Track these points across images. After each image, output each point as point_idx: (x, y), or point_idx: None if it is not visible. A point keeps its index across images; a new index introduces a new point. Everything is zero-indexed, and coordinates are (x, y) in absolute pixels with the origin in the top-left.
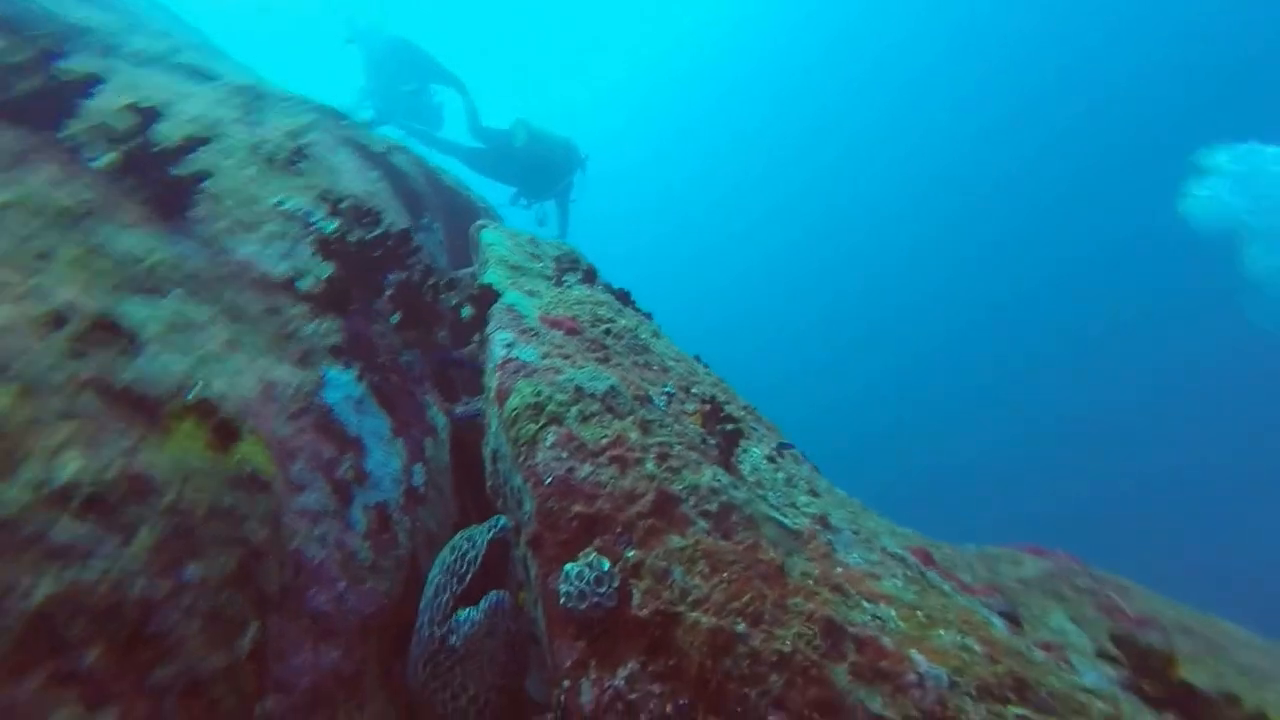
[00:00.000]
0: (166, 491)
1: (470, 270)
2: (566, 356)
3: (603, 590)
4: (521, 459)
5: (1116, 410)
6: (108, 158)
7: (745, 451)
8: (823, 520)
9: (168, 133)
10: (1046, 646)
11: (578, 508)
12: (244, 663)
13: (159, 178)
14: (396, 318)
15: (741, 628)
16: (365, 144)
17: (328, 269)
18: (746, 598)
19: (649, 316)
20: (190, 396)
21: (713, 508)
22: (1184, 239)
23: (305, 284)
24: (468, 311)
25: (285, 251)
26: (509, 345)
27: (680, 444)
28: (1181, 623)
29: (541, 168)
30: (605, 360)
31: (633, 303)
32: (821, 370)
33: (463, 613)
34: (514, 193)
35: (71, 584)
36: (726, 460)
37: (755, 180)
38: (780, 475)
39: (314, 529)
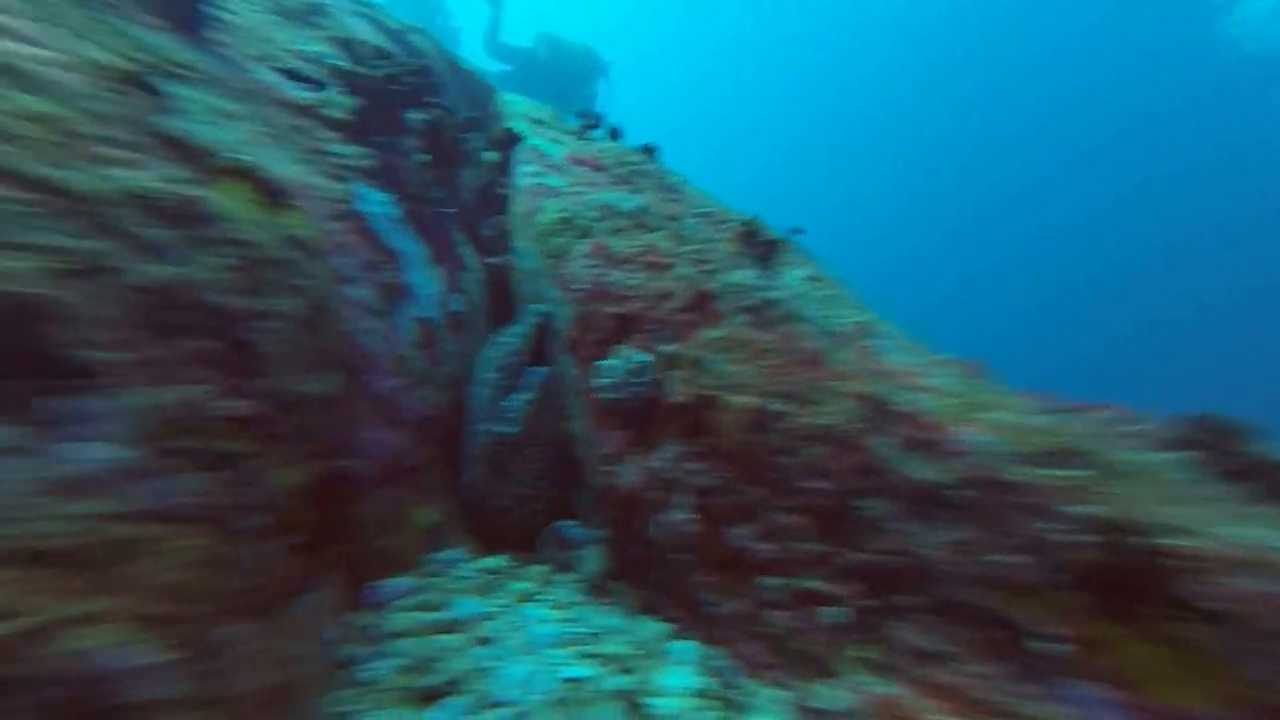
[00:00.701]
0: (228, 225)
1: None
2: (591, 185)
3: (642, 380)
4: (555, 269)
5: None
6: None
7: (785, 270)
8: (866, 328)
9: None
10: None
11: (611, 309)
12: (339, 398)
13: None
14: (425, 157)
15: (780, 406)
16: (381, 20)
17: (351, 101)
18: (786, 380)
19: (672, 176)
20: (227, 159)
21: (750, 303)
22: None
23: (333, 113)
24: (491, 156)
25: (306, 85)
26: (535, 175)
27: (715, 253)
28: None
29: (565, 80)
30: (633, 191)
31: (656, 157)
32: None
33: (513, 397)
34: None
35: (176, 278)
36: (764, 267)
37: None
38: (821, 294)
39: (364, 320)
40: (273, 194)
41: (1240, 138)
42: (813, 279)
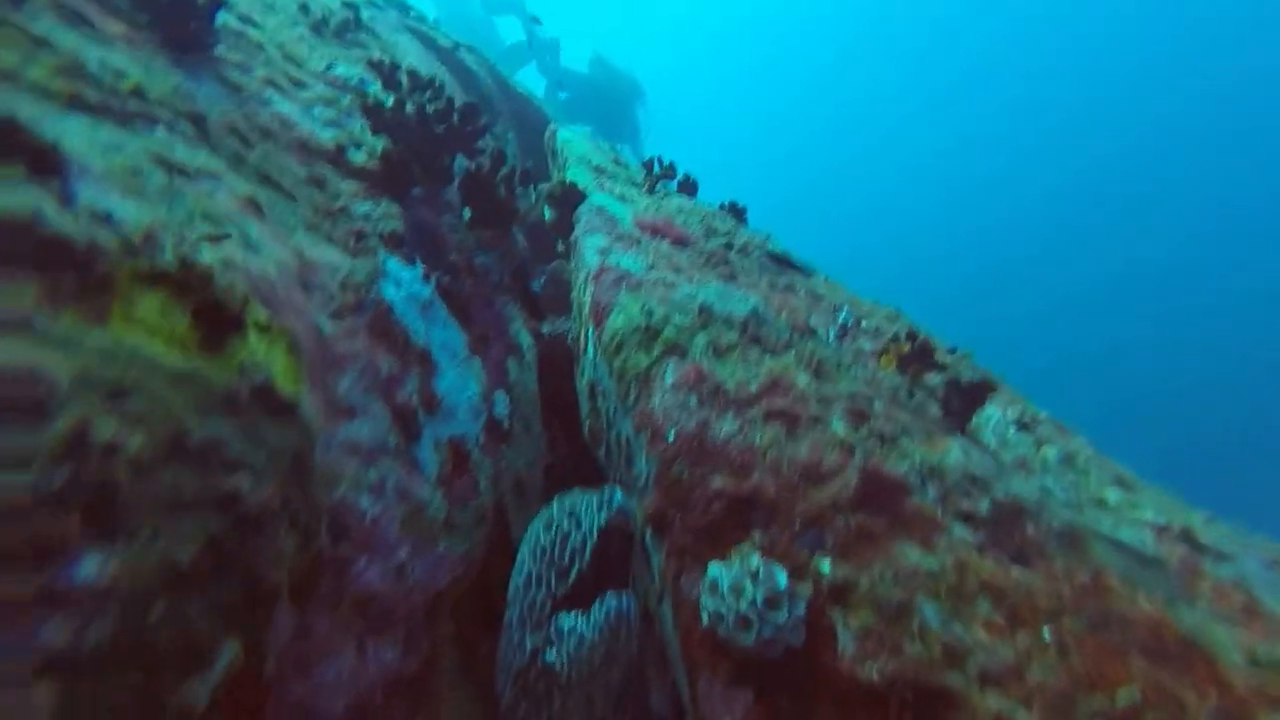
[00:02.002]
0: (67, 408)
1: (548, 185)
2: (677, 269)
3: (781, 618)
4: (631, 400)
5: None
6: None
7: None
8: (1186, 536)
9: None
10: None
11: (721, 481)
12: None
13: None
14: (468, 213)
15: None
16: (432, 37)
17: (383, 143)
18: (1129, 694)
19: (768, 235)
20: (166, 256)
21: (980, 507)
22: None
23: (358, 157)
24: (549, 214)
25: (333, 119)
26: (603, 251)
27: (882, 399)
28: None
29: (610, 105)
30: (732, 278)
31: (745, 219)
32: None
33: (568, 618)
34: (589, 132)
35: None
36: (963, 427)
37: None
38: (1051, 452)
39: (367, 471)
40: (218, 319)
41: None
42: (1024, 423)
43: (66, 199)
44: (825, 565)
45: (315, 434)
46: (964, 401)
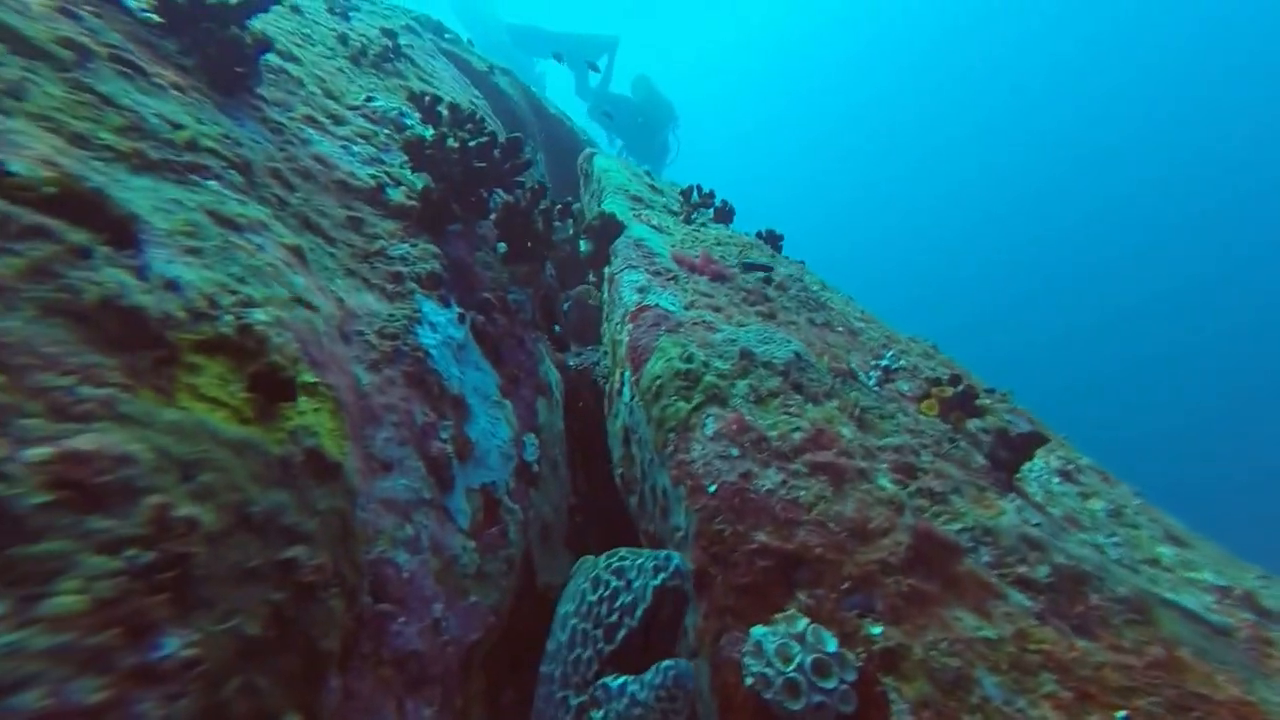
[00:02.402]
0: (149, 493)
1: (579, 205)
2: (717, 309)
3: (830, 685)
4: (669, 450)
5: None
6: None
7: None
8: (1249, 600)
9: None
10: None
11: (764, 538)
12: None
13: (215, 37)
14: (503, 247)
15: None
16: (467, 59)
17: (422, 180)
18: None
19: (802, 264)
20: (226, 321)
21: (1039, 573)
22: None
23: (396, 195)
24: (586, 246)
25: (372, 155)
26: (641, 289)
27: (928, 450)
28: None
29: (649, 127)
30: (770, 316)
31: (781, 248)
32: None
33: (615, 681)
34: (620, 146)
35: None
36: (1011, 480)
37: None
38: (1098, 506)
39: (403, 527)
40: (273, 386)
41: None
42: (1067, 472)
43: (141, 270)
44: (876, 630)
45: (357, 494)
46: (1012, 453)
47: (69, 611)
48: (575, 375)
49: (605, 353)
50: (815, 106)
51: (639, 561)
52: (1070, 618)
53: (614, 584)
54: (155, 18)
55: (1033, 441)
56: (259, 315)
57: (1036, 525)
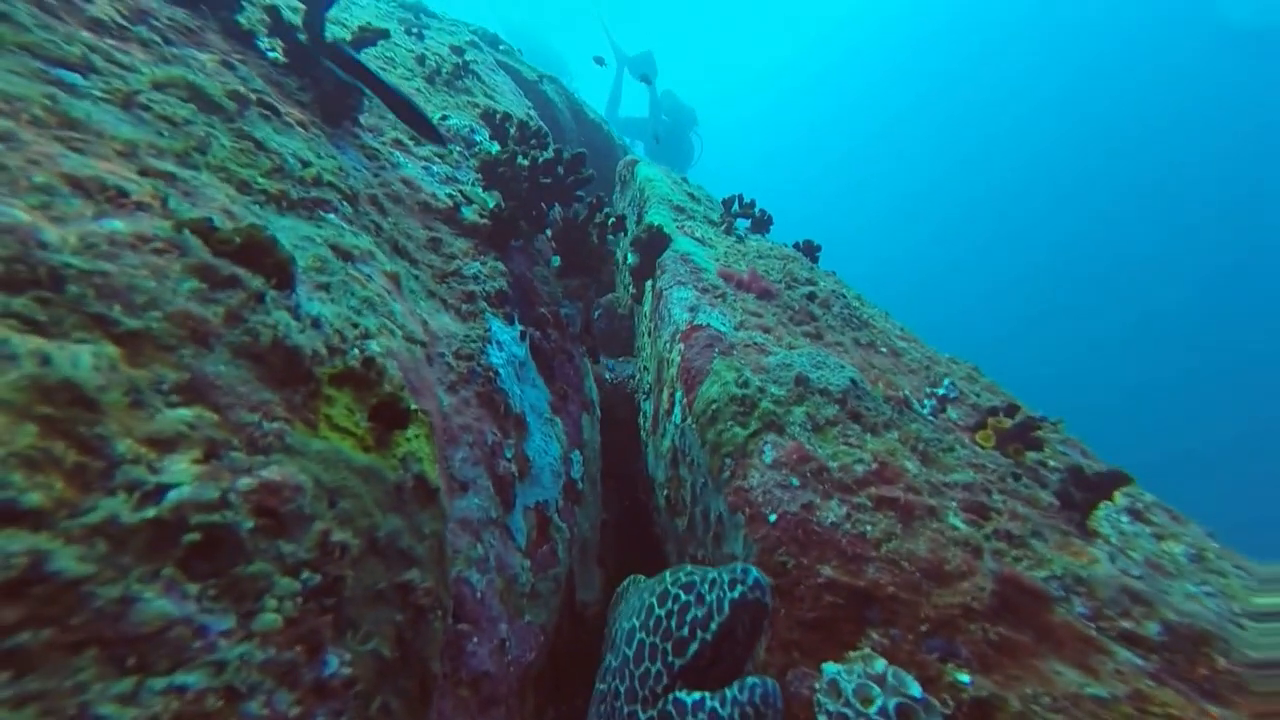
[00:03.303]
0: (315, 519)
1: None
2: (766, 329)
3: None
4: (726, 476)
5: None
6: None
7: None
8: None
9: (336, 36)
10: None
11: (832, 572)
12: None
13: (330, 73)
14: (557, 261)
15: None
16: (518, 69)
17: (493, 198)
18: None
19: (834, 275)
20: (352, 358)
21: (1149, 630)
22: None
23: (469, 214)
24: (633, 258)
25: (448, 174)
26: (692, 308)
27: (998, 489)
28: None
29: (676, 131)
30: (818, 336)
31: (818, 259)
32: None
33: (690, 696)
34: (645, 147)
35: None
36: (1085, 523)
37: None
38: (1178, 550)
39: (475, 547)
40: (388, 416)
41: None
42: (1135, 510)
43: (295, 310)
44: (964, 677)
45: (448, 516)
46: (1088, 493)
47: (273, 628)
48: (611, 389)
49: (644, 368)
50: (841, 124)
51: (710, 576)
52: (1195, 680)
53: (684, 598)
54: (280, 58)
55: (1113, 482)
56: (374, 347)
57: (1138, 578)
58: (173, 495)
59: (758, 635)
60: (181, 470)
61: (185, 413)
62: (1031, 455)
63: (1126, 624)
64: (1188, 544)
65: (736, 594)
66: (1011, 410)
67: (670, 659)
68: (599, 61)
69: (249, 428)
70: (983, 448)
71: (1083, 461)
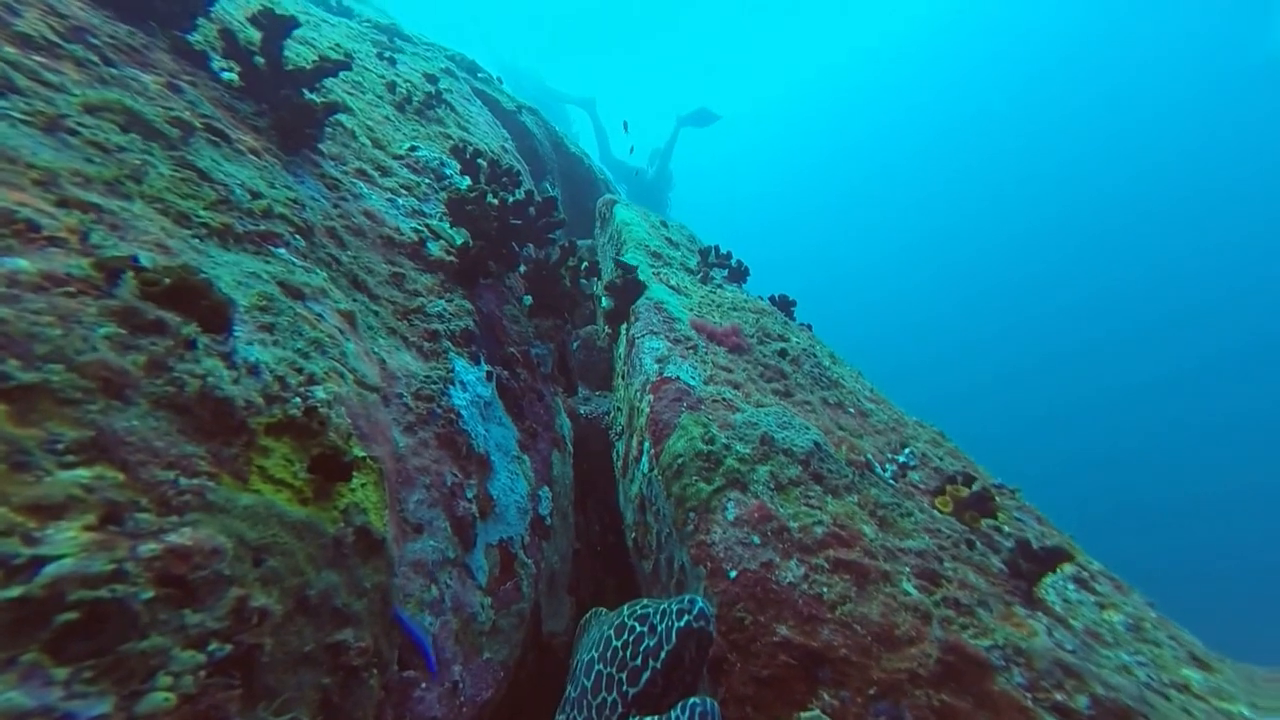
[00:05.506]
0: (232, 584)
1: (589, 243)
2: (736, 385)
3: None
4: (689, 529)
5: None
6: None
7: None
8: None
9: (302, 56)
10: None
11: (788, 631)
12: None
13: (288, 100)
14: (529, 300)
15: None
16: (497, 99)
17: (460, 235)
18: None
19: (809, 328)
20: (293, 406)
21: (1078, 703)
22: None
23: (435, 250)
24: (607, 303)
25: (414, 207)
26: (661, 360)
27: (951, 556)
28: None
29: (657, 189)
30: (787, 394)
31: (793, 314)
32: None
33: None
34: (627, 198)
35: None
36: (1031, 593)
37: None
38: (1117, 619)
39: (429, 589)
40: (330, 467)
41: None
42: (1081, 579)
43: (229, 356)
44: None
45: (395, 563)
46: (1035, 565)
47: (161, 708)
48: (585, 423)
49: (617, 409)
50: (824, 176)
51: (662, 606)
52: None
53: (639, 629)
54: (235, 79)
55: (1056, 557)
56: (319, 394)
57: (1071, 651)
58: (49, 570)
59: (704, 661)
60: (67, 540)
61: (82, 473)
62: (987, 522)
63: (1060, 696)
64: (1127, 613)
65: (683, 623)
66: (969, 479)
67: (625, 688)
68: (592, 102)
69: (162, 486)
70: (941, 513)
71: (1037, 529)
